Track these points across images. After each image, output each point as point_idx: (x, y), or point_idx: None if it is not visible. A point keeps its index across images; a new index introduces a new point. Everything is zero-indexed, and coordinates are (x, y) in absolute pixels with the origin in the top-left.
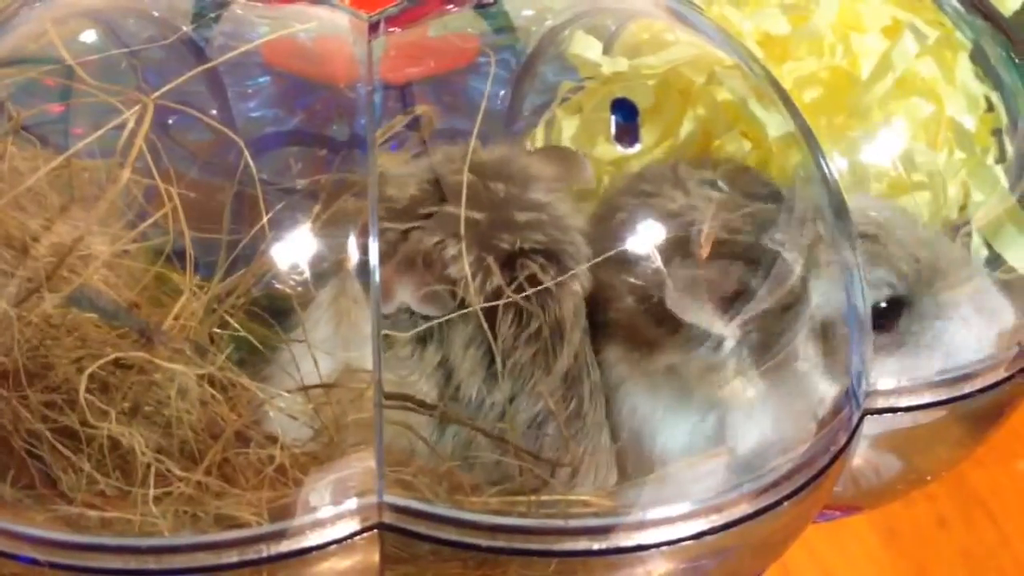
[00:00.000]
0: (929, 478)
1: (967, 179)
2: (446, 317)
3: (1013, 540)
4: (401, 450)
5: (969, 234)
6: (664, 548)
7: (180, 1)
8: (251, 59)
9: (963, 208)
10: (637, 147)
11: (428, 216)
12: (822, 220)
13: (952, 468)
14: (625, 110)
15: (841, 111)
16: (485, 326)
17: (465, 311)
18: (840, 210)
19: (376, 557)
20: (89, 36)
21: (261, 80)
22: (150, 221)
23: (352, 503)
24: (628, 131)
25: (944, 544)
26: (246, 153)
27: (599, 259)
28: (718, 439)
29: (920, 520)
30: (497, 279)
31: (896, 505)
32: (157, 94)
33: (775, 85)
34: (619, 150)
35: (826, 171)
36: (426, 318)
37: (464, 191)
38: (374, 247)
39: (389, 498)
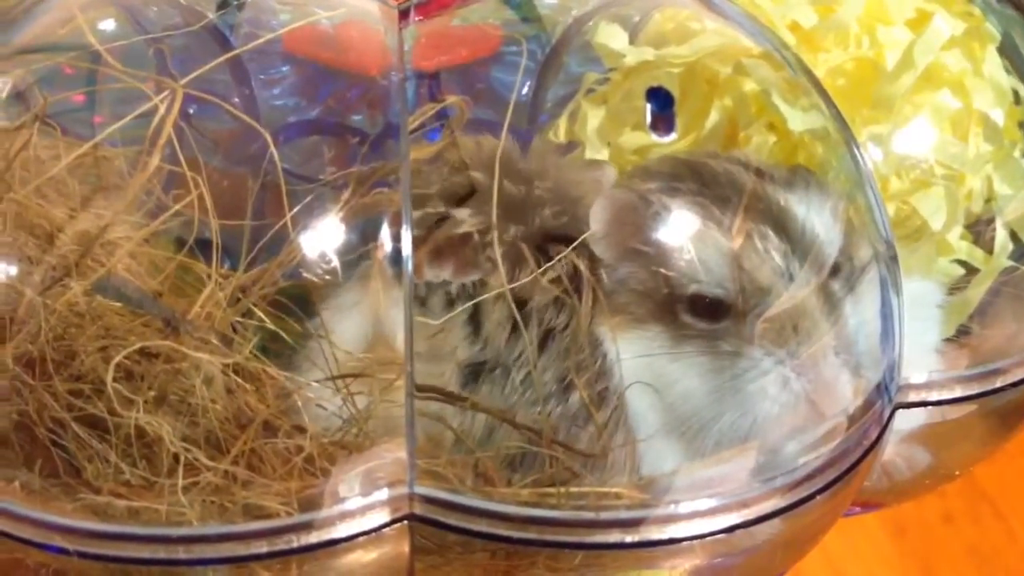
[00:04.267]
0: (957, 472)
1: (994, 172)
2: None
3: (1020, 536)
4: (432, 441)
5: (995, 228)
6: (695, 542)
7: None
8: (274, 47)
9: (988, 201)
10: (673, 136)
11: (459, 204)
12: (855, 212)
13: (980, 463)
14: (660, 99)
15: (866, 103)
16: (514, 309)
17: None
18: (873, 202)
19: (406, 548)
20: (113, 24)
21: (285, 68)
22: (175, 208)
23: (382, 494)
24: (664, 120)
25: (951, 540)
26: (270, 142)
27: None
28: (750, 433)
29: (928, 516)
30: (528, 262)
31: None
32: (185, 80)
33: (808, 74)
34: (654, 138)
35: (860, 162)
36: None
37: (496, 182)
38: (407, 236)
39: (420, 489)
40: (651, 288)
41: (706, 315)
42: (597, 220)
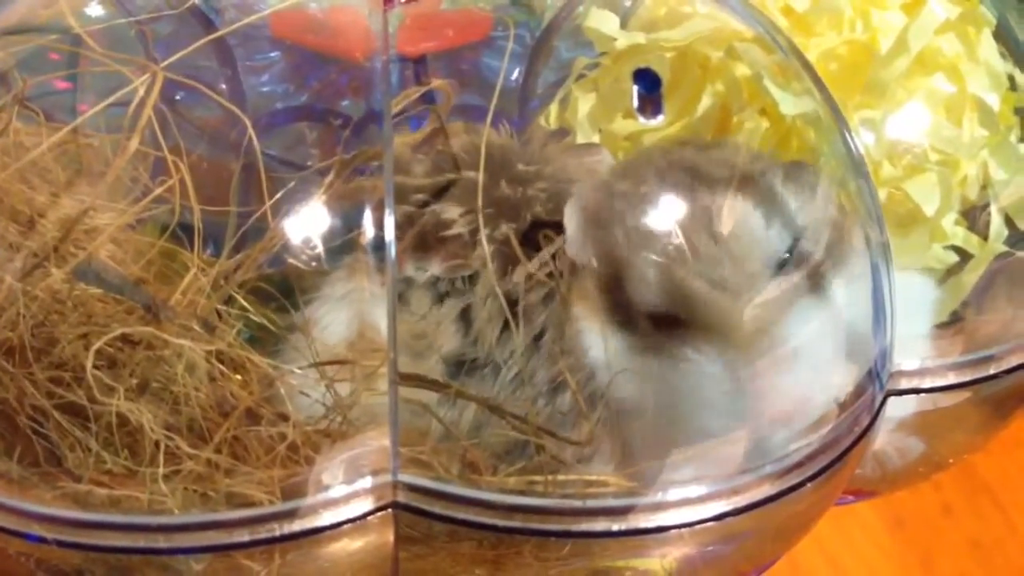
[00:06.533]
0: (951, 461)
1: (989, 157)
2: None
3: (1019, 528)
4: (416, 428)
5: (990, 214)
6: (684, 529)
7: None
8: (261, 32)
9: (984, 188)
10: (660, 119)
11: (445, 190)
12: (846, 197)
13: (975, 452)
14: (648, 80)
15: (859, 87)
16: (503, 301)
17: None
18: (865, 187)
19: (390, 537)
20: (97, 7)
21: (272, 54)
22: (157, 192)
23: (366, 482)
24: (651, 102)
25: (950, 532)
26: (250, 127)
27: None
28: (740, 419)
29: (926, 508)
30: (513, 245)
31: (902, 493)
32: (166, 63)
33: (800, 58)
34: (641, 121)
35: (852, 147)
36: (451, 282)
37: (481, 169)
38: (390, 221)
39: (404, 477)
40: (636, 272)
41: (694, 302)
42: (571, 222)
